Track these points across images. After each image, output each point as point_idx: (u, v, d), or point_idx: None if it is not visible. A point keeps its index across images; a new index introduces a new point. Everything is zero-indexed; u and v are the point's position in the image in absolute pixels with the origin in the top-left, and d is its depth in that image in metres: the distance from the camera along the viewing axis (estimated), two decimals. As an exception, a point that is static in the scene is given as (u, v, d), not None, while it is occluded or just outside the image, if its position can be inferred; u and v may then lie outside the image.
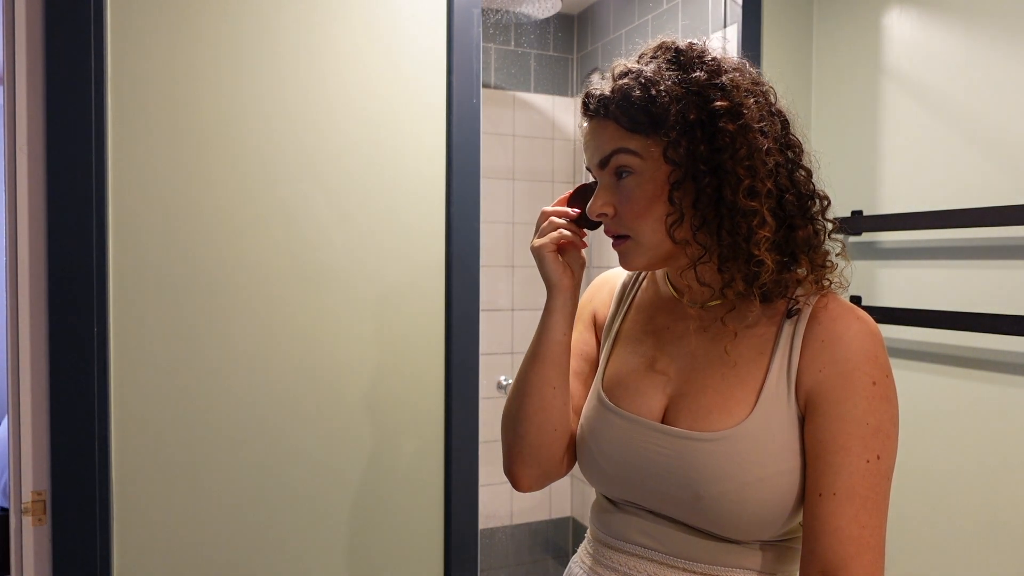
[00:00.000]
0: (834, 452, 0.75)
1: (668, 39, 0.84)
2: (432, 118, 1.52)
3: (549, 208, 0.93)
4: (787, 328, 0.80)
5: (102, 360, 1.28)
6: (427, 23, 1.51)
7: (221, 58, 1.36)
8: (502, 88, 2.87)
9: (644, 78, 0.79)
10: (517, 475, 0.94)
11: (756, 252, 0.77)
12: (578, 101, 0.87)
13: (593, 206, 0.84)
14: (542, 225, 0.92)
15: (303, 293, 1.44)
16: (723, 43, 1.95)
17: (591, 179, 0.90)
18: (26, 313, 1.24)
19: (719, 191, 0.77)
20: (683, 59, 0.81)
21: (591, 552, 0.92)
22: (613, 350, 0.94)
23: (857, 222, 1.76)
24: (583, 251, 0.94)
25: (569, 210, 0.92)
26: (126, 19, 1.30)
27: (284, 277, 1.42)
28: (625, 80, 0.81)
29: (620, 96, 0.80)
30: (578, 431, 0.93)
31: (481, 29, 1.54)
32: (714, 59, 0.81)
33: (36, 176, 1.24)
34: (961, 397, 1.56)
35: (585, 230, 0.93)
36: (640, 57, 0.84)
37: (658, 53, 0.82)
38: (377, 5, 1.47)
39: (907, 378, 1.68)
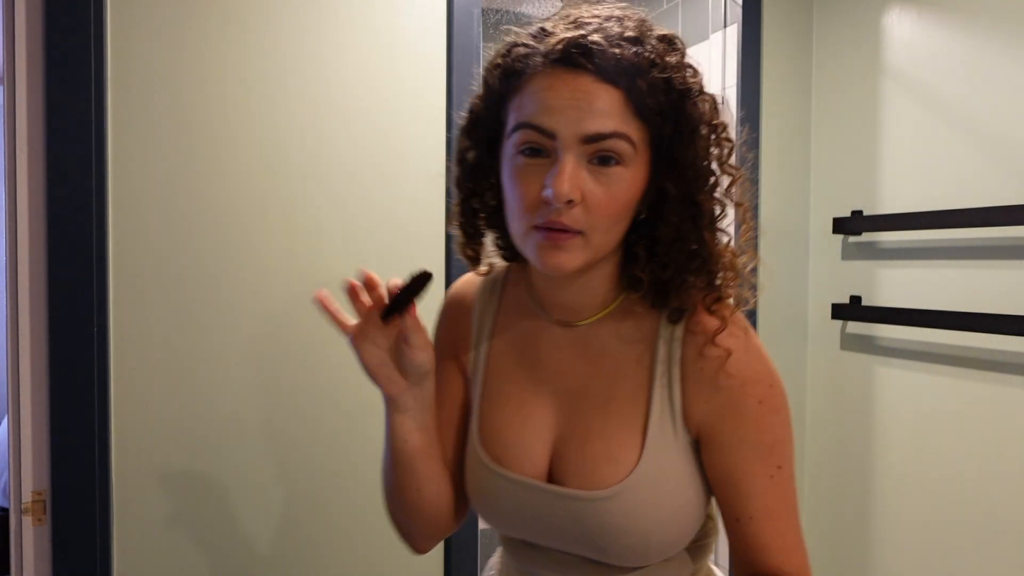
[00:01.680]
0: (739, 479, 0.73)
1: (640, 13, 0.72)
2: (432, 118, 1.52)
3: (356, 280, 0.75)
4: (662, 351, 0.75)
5: (102, 360, 1.28)
6: (427, 23, 1.51)
7: (221, 58, 1.36)
8: (502, 88, 2.86)
9: (652, 58, 0.68)
10: (411, 546, 0.87)
11: (714, 265, 0.72)
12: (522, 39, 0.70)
13: (562, 188, 0.65)
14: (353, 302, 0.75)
15: (303, 293, 1.44)
16: (723, 43, 1.95)
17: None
18: (26, 313, 1.24)
19: (693, 196, 0.71)
20: (676, 48, 0.71)
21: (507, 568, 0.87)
22: (483, 393, 0.82)
23: (857, 222, 1.76)
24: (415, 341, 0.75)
25: (383, 290, 0.73)
26: (126, 19, 1.30)
27: (284, 277, 1.42)
28: (630, 49, 0.67)
29: (633, 67, 0.66)
30: (467, 486, 0.82)
31: (481, 29, 1.54)
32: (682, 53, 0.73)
33: (36, 176, 1.23)
34: (961, 397, 1.56)
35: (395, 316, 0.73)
36: (625, 21, 0.70)
37: (646, 33, 0.70)
38: (377, 5, 1.47)
39: (907, 378, 1.68)
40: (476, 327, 0.83)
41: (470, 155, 0.76)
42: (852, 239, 1.81)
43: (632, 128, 0.67)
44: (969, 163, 1.54)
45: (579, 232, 0.67)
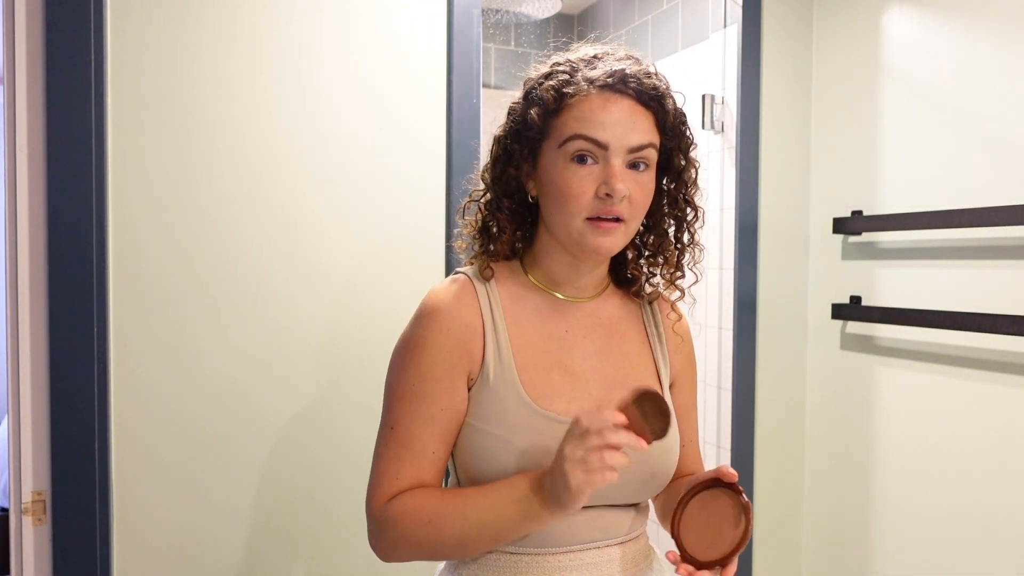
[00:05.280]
0: (688, 411, 1.02)
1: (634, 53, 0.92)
2: (432, 118, 1.52)
3: (613, 437, 0.74)
4: (647, 318, 1.00)
5: (102, 360, 1.28)
6: (427, 23, 1.51)
7: (221, 58, 1.36)
8: (502, 88, 2.87)
9: (666, 88, 0.89)
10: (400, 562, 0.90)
11: (692, 251, 0.96)
12: (587, 72, 0.86)
13: (622, 186, 0.83)
14: (593, 457, 0.74)
15: (303, 293, 1.44)
16: (723, 43, 1.95)
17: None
18: (26, 313, 1.24)
19: (684, 196, 0.94)
20: (666, 81, 0.91)
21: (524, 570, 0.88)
22: (520, 366, 0.88)
23: (857, 222, 1.76)
24: None
25: (641, 442, 0.75)
26: (126, 19, 1.30)
27: (284, 278, 1.42)
28: (657, 81, 0.88)
29: (660, 95, 0.88)
30: (511, 454, 0.85)
31: (481, 29, 1.54)
32: None
33: (36, 176, 1.24)
34: (961, 397, 1.56)
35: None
36: (639, 61, 0.90)
37: (651, 69, 0.90)
38: (377, 5, 1.47)
39: (907, 378, 1.68)
40: (490, 326, 0.90)
41: (516, 157, 0.90)
42: (852, 239, 1.81)
43: (657, 140, 0.88)
44: (969, 163, 1.54)
45: (622, 221, 0.86)
